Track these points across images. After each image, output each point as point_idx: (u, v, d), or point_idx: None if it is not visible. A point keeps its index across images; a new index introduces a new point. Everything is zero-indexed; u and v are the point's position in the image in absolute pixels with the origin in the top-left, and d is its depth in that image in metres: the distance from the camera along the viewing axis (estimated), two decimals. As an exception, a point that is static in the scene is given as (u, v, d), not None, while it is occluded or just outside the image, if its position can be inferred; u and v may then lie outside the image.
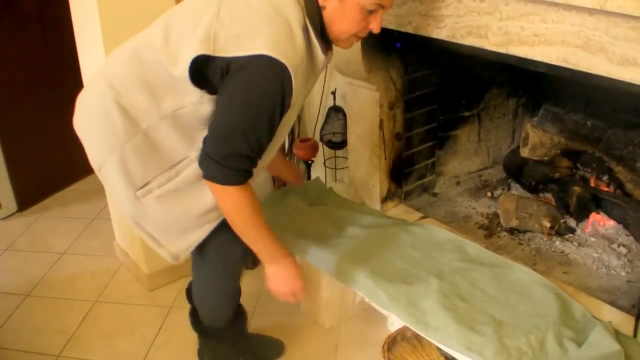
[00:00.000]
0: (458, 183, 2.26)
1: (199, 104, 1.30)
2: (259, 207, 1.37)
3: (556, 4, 1.27)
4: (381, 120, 1.95)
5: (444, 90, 2.08)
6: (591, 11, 1.21)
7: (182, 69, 1.25)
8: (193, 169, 1.36)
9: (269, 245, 1.43)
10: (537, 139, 1.98)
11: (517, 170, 2.17)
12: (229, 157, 1.27)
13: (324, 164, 2.49)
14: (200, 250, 1.49)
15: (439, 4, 1.54)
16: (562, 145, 1.99)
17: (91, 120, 1.40)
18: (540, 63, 1.35)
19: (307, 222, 1.90)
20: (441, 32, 1.56)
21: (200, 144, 1.33)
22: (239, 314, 1.74)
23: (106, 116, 1.34)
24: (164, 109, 1.32)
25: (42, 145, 2.85)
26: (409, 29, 1.64)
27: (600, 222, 1.90)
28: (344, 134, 2.23)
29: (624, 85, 1.20)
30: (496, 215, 2.02)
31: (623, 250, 1.80)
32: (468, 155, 2.27)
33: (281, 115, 1.27)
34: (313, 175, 2.40)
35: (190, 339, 1.89)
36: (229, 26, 1.23)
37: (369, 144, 2.02)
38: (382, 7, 1.30)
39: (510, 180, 2.24)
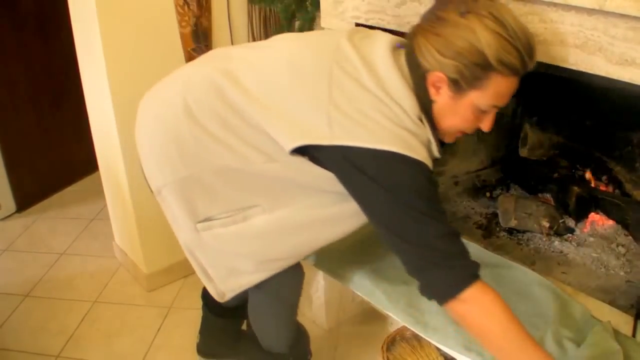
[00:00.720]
0: (457, 183, 2.26)
1: (300, 163, 1.20)
2: (511, 312, 1.15)
3: (555, 4, 1.27)
4: (380, 121, 1.95)
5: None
6: (590, 11, 1.21)
7: (282, 142, 1.16)
8: (262, 219, 1.25)
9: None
10: (536, 138, 1.98)
11: (516, 170, 2.17)
12: (433, 263, 1.14)
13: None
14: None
15: (437, 4, 1.53)
16: (560, 145, 1.99)
17: (160, 141, 1.27)
18: (539, 63, 1.35)
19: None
20: (440, 32, 1.55)
21: (286, 203, 1.24)
22: (300, 335, 1.65)
23: (178, 142, 1.23)
24: (250, 157, 1.21)
25: (41, 146, 2.85)
26: (408, 30, 1.63)
27: (599, 222, 1.90)
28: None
29: (623, 85, 1.21)
30: (495, 215, 2.02)
31: (622, 250, 1.79)
32: (467, 155, 2.27)
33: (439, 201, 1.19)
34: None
35: (189, 340, 1.89)
36: (345, 110, 1.14)
37: (368, 144, 2.01)
38: (496, 107, 1.23)
39: (509, 180, 2.24)
